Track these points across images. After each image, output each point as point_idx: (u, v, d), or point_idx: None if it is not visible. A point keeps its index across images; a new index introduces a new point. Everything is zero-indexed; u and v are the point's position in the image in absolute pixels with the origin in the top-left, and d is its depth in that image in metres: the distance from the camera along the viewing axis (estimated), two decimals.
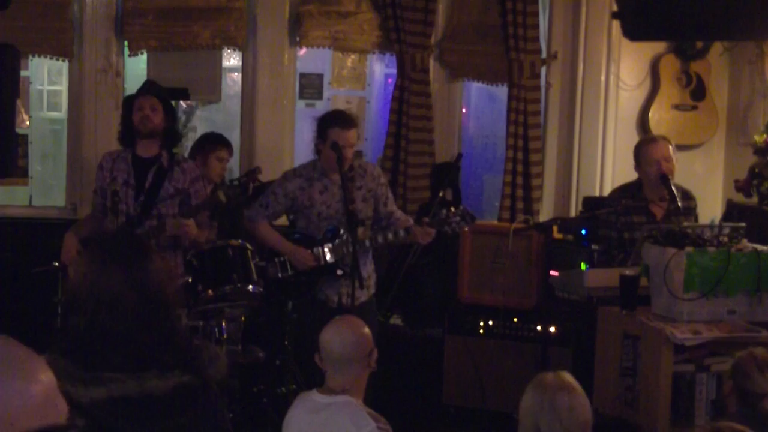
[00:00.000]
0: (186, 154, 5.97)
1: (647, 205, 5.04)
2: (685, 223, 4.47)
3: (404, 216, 5.12)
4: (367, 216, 5.01)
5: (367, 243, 4.88)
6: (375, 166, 5.27)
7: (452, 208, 4.85)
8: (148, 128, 4.79)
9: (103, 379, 2.18)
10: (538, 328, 5.61)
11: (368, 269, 5.03)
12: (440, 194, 5.50)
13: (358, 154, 6.76)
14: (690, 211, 5.09)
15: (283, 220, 5.35)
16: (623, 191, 5.19)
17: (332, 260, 4.89)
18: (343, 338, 3.35)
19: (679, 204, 4.91)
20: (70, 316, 2.28)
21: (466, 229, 4.96)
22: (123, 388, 2.18)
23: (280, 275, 5.00)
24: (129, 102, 4.92)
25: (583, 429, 3.09)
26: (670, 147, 5.04)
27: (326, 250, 4.90)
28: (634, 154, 5.12)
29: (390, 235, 4.87)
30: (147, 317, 2.28)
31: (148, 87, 4.95)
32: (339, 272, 4.87)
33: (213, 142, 5.77)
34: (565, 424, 3.04)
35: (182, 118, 8.13)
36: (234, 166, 6.75)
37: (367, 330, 3.42)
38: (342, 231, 4.86)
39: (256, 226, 5.04)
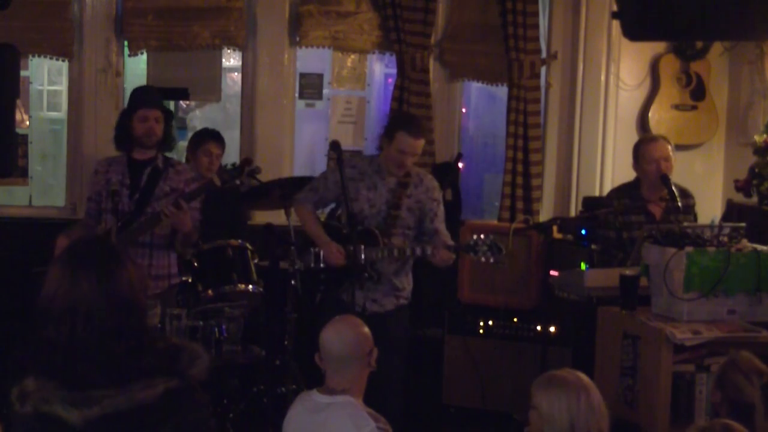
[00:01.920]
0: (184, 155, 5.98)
1: (645, 204, 5.06)
2: (685, 223, 4.47)
3: (447, 235, 4.94)
4: (408, 226, 4.90)
5: (395, 253, 4.75)
6: (433, 179, 5.09)
7: (482, 236, 4.77)
8: (152, 141, 4.85)
9: (94, 397, 2.16)
10: (538, 328, 5.61)
11: (403, 280, 4.93)
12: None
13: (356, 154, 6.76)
14: (689, 209, 5.12)
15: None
16: (621, 191, 5.21)
17: (363, 262, 4.73)
18: (343, 337, 3.36)
19: (679, 204, 4.96)
20: (47, 329, 2.24)
21: (492, 260, 4.78)
22: (114, 404, 2.16)
23: (312, 265, 4.90)
24: (131, 109, 4.89)
25: (607, 423, 3.12)
26: (669, 147, 5.07)
27: (359, 249, 4.72)
28: (633, 152, 5.15)
29: (419, 250, 4.75)
30: (122, 325, 2.26)
31: (152, 98, 4.94)
32: (366, 275, 4.77)
33: (201, 136, 5.76)
34: (598, 421, 3.08)
35: (183, 117, 8.13)
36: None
37: (366, 329, 3.42)
38: (378, 236, 4.78)
39: (301, 208, 4.99)
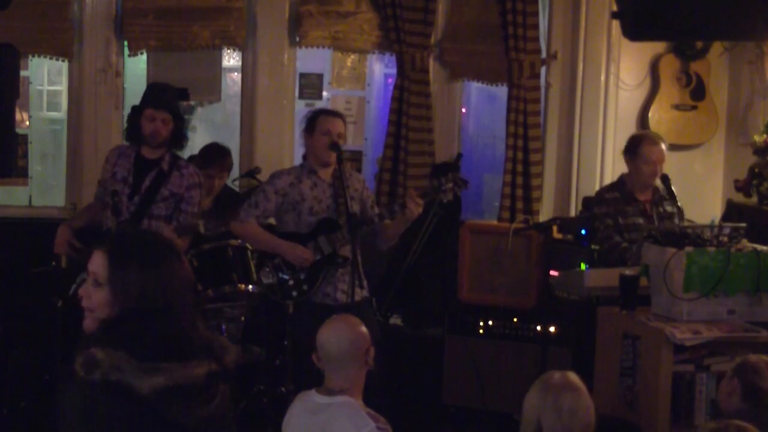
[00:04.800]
0: (186, 155, 5.97)
1: (634, 194, 5.24)
2: (686, 223, 4.50)
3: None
4: (356, 214, 4.93)
5: (363, 228, 4.80)
6: (359, 174, 5.23)
7: (442, 177, 4.82)
8: (157, 141, 4.87)
9: (160, 368, 2.23)
10: (538, 328, 5.61)
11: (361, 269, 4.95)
12: (444, 200, 5.47)
13: (356, 154, 6.78)
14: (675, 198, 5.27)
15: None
16: (610, 187, 5.40)
17: (329, 251, 4.80)
18: (340, 337, 3.36)
19: (679, 203, 5.08)
20: (147, 319, 2.31)
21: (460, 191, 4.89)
22: (175, 377, 2.23)
23: (275, 279, 4.86)
24: (141, 106, 4.91)
25: (585, 430, 3.09)
26: (665, 148, 5.25)
27: (321, 241, 4.82)
28: (630, 146, 5.28)
29: (386, 213, 4.82)
30: (186, 308, 2.36)
31: (161, 99, 4.93)
32: (336, 262, 4.79)
33: (206, 159, 5.75)
34: (567, 425, 3.04)
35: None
36: (234, 166, 6.75)
37: (363, 328, 3.42)
38: (341, 223, 4.80)
39: (245, 226, 4.90)
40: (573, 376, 3.18)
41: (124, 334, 2.28)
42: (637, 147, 5.22)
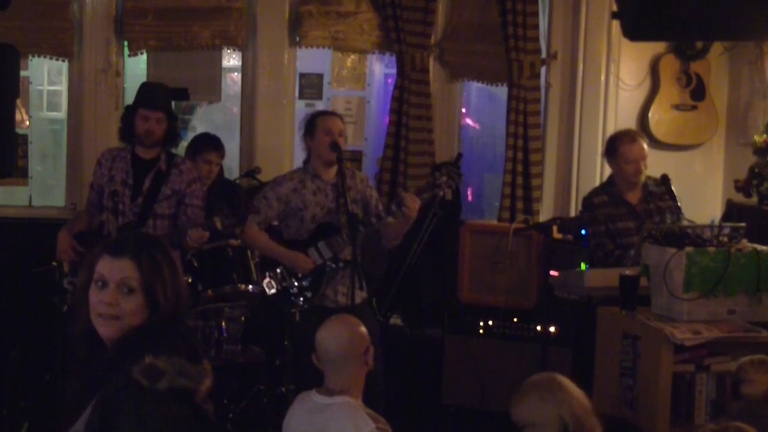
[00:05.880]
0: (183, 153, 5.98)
1: (622, 195, 5.20)
2: (685, 223, 4.50)
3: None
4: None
5: (362, 229, 4.78)
6: (359, 171, 5.21)
7: (436, 173, 4.79)
8: (152, 141, 4.89)
9: (209, 370, 2.26)
10: (538, 328, 5.61)
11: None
12: (440, 194, 5.49)
13: (356, 154, 6.79)
14: (663, 195, 5.22)
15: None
16: (597, 191, 5.35)
17: (329, 255, 4.80)
18: (338, 337, 3.36)
19: (680, 203, 5.06)
20: (180, 322, 2.35)
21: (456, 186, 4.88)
22: (210, 376, 2.26)
23: (277, 289, 4.83)
24: (134, 106, 4.93)
25: (590, 412, 3.08)
26: (645, 144, 5.22)
27: (321, 247, 4.80)
28: (608, 148, 5.28)
29: (383, 213, 4.77)
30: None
31: (155, 99, 4.94)
32: (337, 265, 4.78)
33: (202, 144, 5.77)
34: (586, 407, 3.02)
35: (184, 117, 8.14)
36: (234, 166, 6.76)
37: (362, 328, 3.43)
38: (341, 228, 4.79)
39: (246, 231, 4.89)
40: (550, 373, 3.16)
41: (170, 339, 2.27)
42: (615, 148, 5.20)
